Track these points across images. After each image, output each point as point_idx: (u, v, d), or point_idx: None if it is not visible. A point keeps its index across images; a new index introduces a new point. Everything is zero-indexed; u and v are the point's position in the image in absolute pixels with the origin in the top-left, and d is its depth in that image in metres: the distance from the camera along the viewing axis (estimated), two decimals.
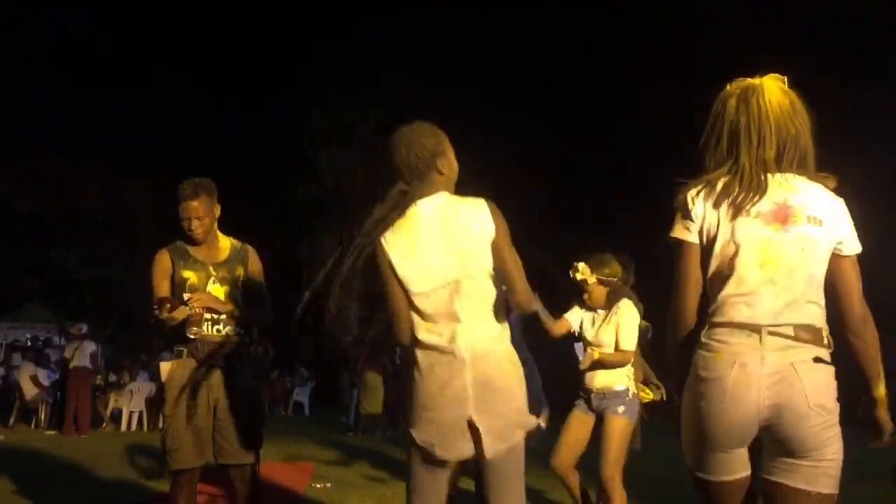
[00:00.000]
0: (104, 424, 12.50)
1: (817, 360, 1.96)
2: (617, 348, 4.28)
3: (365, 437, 12.02)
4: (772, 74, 2.13)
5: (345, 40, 27.77)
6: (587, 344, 4.47)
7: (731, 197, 2.01)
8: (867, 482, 6.51)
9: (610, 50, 23.91)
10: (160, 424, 3.69)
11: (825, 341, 2.01)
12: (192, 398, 3.50)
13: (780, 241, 1.99)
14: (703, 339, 2.03)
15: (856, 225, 2.08)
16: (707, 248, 2.05)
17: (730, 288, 2.00)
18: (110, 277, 20.54)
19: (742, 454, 2.01)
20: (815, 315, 2.01)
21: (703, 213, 2.05)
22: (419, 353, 2.48)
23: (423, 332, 2.47)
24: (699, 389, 1.99)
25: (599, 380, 4.29)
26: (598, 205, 21.27)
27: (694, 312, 2.08)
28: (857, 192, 2.17)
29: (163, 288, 3.56)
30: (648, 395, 4.39)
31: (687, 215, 2.07)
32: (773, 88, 2.08)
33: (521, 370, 2.52)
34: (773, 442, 1.97)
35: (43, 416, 12.49)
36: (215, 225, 3.66)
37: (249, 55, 27.22)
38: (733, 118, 2.07)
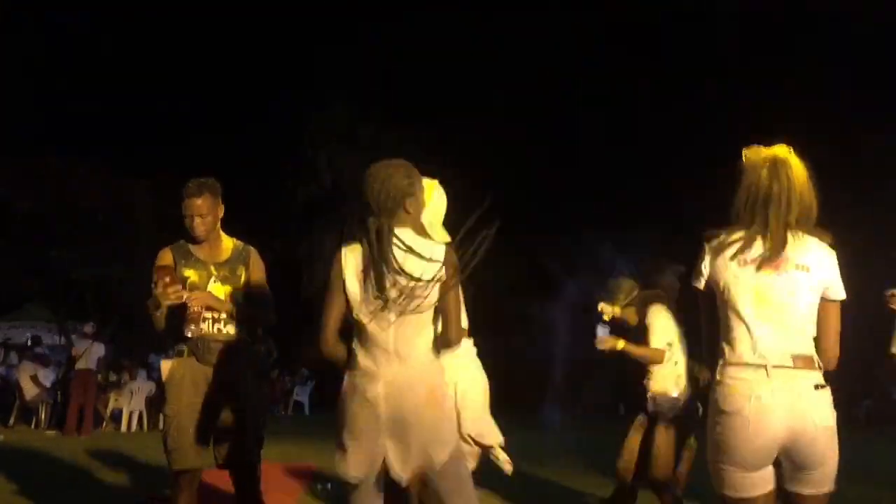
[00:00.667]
0: (104, 424, 12.49)
1: (817, 386, 2.37)
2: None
3: None
4: (781, 145, 2.51)
5: (345, 40, 27.77)
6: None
7: (747, 251, 2.40)
8: (866, 483, 6.52)
9: (610, 51, 23.92)
10: (161, 424, 3.69)
11: (817, 365, 2.40)
12: (193, 398, 3.50)
13: (771, 285, 2.38)
14: (717, 377, 2.42)
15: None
16: (715, 294, 2.46)
17: (734, 327, 2.41)
18: (110, 277, 20.50)
19: (767, 471, 2.37)
20: (807, 345, 2.41)
21: (710, 265, 2.47)
22: (348, 374, 2.60)
23: (357, 355, 2.58)
24: (723, 421, 2.36)
25: (655, 385, 4.42)
26: (602, 207, 21.24)
27: (716, 343, 2.49)
28: None
29: None
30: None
31: (699, 267, 2.50)
32: (797, 164, 2.47)
33: (443, 405, 2.61)
34: (787, 459, 2.35)
35: (43, 416, 12.48)
36: (218, 225, 3.67)
37: (249, 55, 27.23)
38: (766, 188, 2.44)
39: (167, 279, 3.41)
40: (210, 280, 3.61)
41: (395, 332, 2.55)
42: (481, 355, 3.47)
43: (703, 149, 16.04)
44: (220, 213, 3.66)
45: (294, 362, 20.22)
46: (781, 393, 2.31)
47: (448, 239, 2.92)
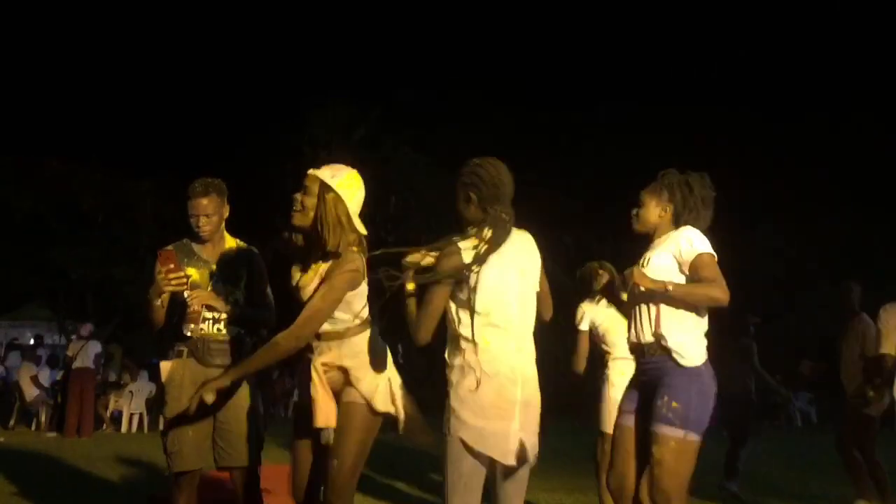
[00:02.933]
0: (104, 426, 12.47)
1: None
2: None
3: None
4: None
5: (345, 41, 27.80)
6: None
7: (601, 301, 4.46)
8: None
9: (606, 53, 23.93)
10: (161, 426, 3.68)
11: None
12: (192, 399, 3.48)
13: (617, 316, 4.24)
14: (608, 364, 4.37)
15: None
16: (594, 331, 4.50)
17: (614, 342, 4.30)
18: (111, 277, 20.50)
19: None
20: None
21: (587, 311, 4.55)
22: (483, 360, 2.62)
23: (491, 341, 2.63)
24: (615, 388, 4.10)
25: None
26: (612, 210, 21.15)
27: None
28: None
29: None
30: None
31: (581, 316, 4.55)
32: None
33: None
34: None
35: (43, 418, 12.44)
36: (223, 225, 3.66)
37: (250, 55, 27.26)
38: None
39: (170, 265, 3.38)
40: (212, 280, 3.59)
41: (522, 319, 2.70)
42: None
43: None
44: (226, 214, 3.66)
45: (295, 363, 20.17)
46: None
47: (365, 231, 3.03)
